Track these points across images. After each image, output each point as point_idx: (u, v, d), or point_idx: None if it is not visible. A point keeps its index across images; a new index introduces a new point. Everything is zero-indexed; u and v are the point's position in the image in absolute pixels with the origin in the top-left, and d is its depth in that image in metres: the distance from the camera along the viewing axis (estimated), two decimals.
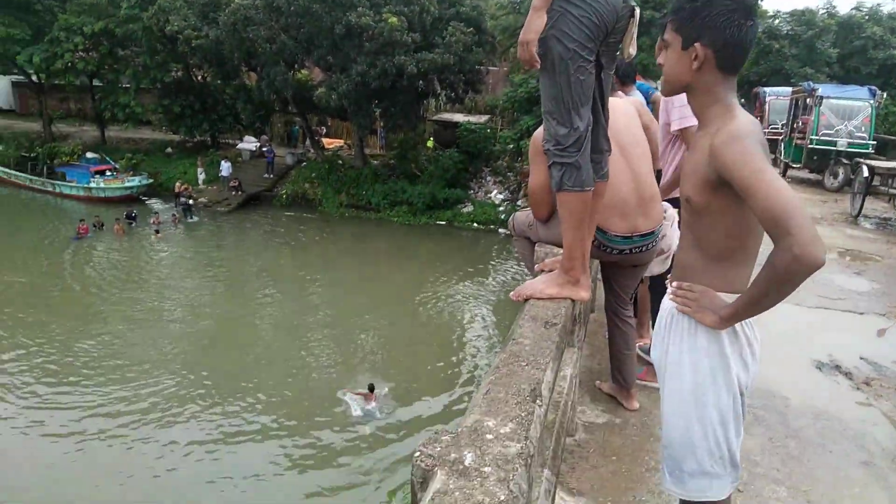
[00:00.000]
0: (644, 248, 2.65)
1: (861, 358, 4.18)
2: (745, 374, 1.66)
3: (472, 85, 22.64)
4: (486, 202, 22.39)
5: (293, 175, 24.44)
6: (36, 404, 9.63)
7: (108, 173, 23.33)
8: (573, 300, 2.27)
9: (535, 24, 1.96)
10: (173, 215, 20.84)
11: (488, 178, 23.89)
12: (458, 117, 25.37)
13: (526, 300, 2.27)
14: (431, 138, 25.73)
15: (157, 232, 19.00)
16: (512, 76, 23.40)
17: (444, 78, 21.20)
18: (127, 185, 22.78)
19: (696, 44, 1.54)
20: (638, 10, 2.13)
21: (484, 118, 25.65)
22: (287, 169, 24.97)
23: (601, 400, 3.25)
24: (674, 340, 1.71)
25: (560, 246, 2.63)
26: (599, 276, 3.31)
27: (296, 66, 23.15)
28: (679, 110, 3.28)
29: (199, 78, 26.16)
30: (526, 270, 3.10)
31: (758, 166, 1.42)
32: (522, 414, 1.40)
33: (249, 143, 25.91)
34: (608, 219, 2.53)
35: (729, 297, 1.59)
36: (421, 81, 21.60)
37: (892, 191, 9.98)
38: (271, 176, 24.32)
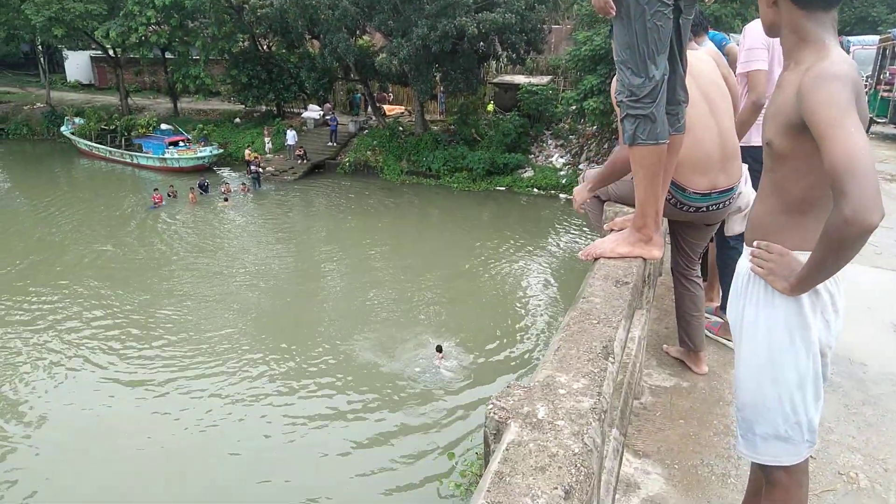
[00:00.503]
0: (721, 206, 2.58)
1: None
2: (828, 334, 1.61)
3: (534, 45, 22.09)
4: (546, 167, 22.04)
5: (355, 143, 24.73)
6: (127, 369, 10.20)
7: (182, 144, 24.22)
8: (645, 259, 2.25)
9: None
10: (243, 184, 21.53)
11: (549, 141, 23.45)
12: (520, 79, 24.86)
13: (596, 259, 2.26)
14: (492, 102, 25.39)
15: (226, 199, 19.70)
16: (575, 34, 22.63)
17: (505, 38, 20.78)
18: (199, 155, 23.59)
19: None
20: None
21: (546, 79, 25.05)
22: (350, 137, 25.28)
23: (668, 364, 3.23)
24: (750, 300, 1.67)
25: (630, 205, 2.60)
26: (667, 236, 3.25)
27: (357, 32, 23.21)
28: (745, 53, 3.15)
29: (265, 47, 26.66)
30: (594, 232, 3.08)
31: (839, 113, 1.35)
32: (595, 370, 1.42)
33: (313, 112, 26.31)
34: (687, 175, 2.45)
35: (806, 256, 1.52)
36: (482, 43, 21.27)
37: None
38: (335, 144, 24.69)
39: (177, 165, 23.46)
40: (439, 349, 10.20)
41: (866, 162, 1.29)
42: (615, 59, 2.12)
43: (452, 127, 23.78)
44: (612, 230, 2.55)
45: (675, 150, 2.24)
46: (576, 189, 2.71)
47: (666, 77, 2.03)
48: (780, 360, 1.61)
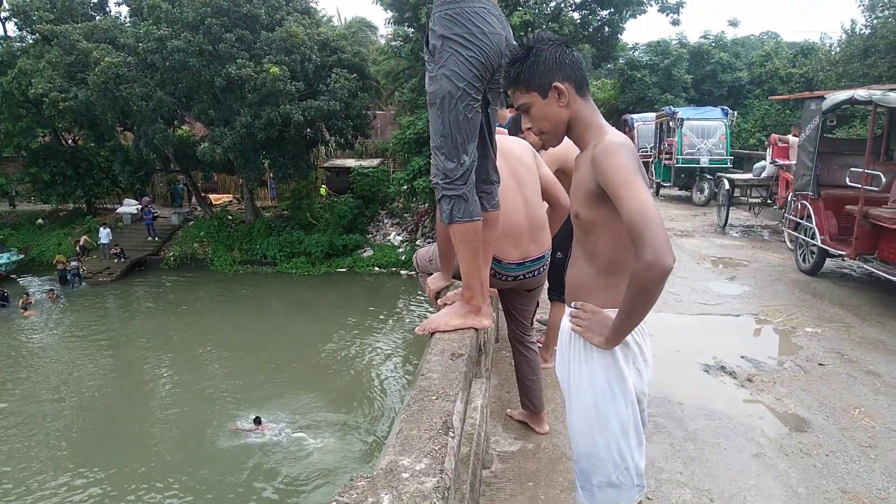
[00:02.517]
0: (536, 272, 2.78)
1: (742, 357, 4.55)
2: (640, 381, 1.75)
3: (361, 129, 22.82)
4: (385, 245, 22.42)
5: (180, 235, 23.36)
6: None
7: None
8: (477, 329, 2.33)
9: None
10: (50, 290, 19.21)
11: (385, 220, 24.00)
12: (350, 162, 25.43)
13: (431, 334, 2.31)
14: (324, 185, 25.57)
15: (25, 308, 17.39)
16: (399, 118, 23.84)
17: (331, 124, 21.23)
18: None
19: (553, 84, 1.68)
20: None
21: (376, 161, 25.87)
22: (173, 230, 23.83)
23: (513, 427, 3.32)
24: (573, 358, 1.79)
25: (459, 278, 2.72)
26: (500, 306, 3.42)
27: (175, 122, 22.36)
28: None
29: (70, 142, 24.63)
30: (430, 304, 3.16)
31: (628, 176, 1.54)
32: (436, 448, 1.42)
33: (130, 206, 24.52)
34: (502, 248, 2.63)
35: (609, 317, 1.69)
36: (308, 129, 21.51)
37: (751, 200, 11.05)
38: (155, 239, 23.08)
39: None
40: (258, 421, 10.45)
41: (655, 214, 1.48)
42: (431, 144, 2.26)
43: (286, 212, 23.44)
44: (444, 304, 2.63)
45: (493, 225, 2.40)
46: (429, 279, 2.77)
47: (475, 162, 2.20)
48: (605, 410, 1.72)
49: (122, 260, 21.62)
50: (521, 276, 2.74)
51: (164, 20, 18.31)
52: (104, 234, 21.90)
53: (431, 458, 1.37)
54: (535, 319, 4.22)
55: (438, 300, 2.74)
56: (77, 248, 21.67)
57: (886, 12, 16.71)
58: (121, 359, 14.54)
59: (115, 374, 13.69)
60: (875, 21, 17.14)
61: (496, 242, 2.51)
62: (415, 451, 1.40)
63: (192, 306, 18.53)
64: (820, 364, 4.42)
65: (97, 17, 22.24)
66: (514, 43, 2.24)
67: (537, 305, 3.51)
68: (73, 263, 20.24)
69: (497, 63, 2.18)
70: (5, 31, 24.64)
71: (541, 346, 3.86)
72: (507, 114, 4.37)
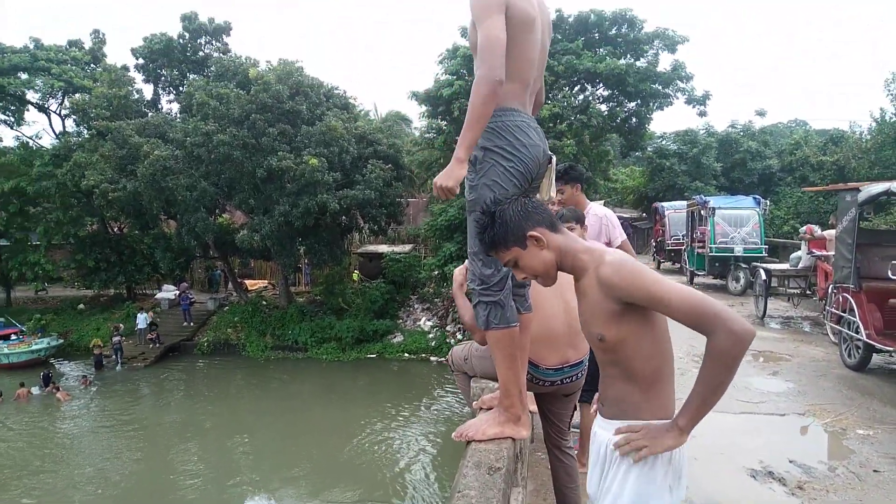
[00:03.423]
0: (575, 378, 2.75)
1: (790, 461, 4.33)
2: (671, 501, 1.70)
3: (394, 217, 23.39)
4: (415, 330, 22.35)
5: (215, 321, 23.71)
6: None
7: (14, 337, 21.80)
8: (514, 439, 2.30)
9: (457, 173, 2.13)
10: (84, 376, 19.48)
11: (416, 305, 24.05)
12: (383, 248, 25.87)
13: (468, 442, 2.28)
14: (357, 271, 25.94)
15: (58, 390, 17.60)
16: (431, 206, 24.41)
17: (366, 212, 21.82)
18: (34, 348, 21.24)
19: (528, 235, 1.76)
20: (555, 158, 2.39)
21: (408, 247, 26.27)
22: (209, 315, 24.24)
23: None
24: (610, 472, 1.76)
25: (494, 379, 2.71)
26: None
27: (217, 210, 23.26)
28: (610, 226, 3.81)
29: (116, 230, 25.71)
30: (464, 401, 3.13)
31: (654, 277, 1.60)
32: None
33: (168, 292, 25.13)
34: (539, 351, 2.60)
35: (662, 422, 1.67)
36: (344, 217, 22.14)
37: (789, 291, 10.81)
38: (191, 324, 23.47)
39: (6, 362, 20.83)
40: None
41: (703, 294, 1.53)
42: (469, 250, 2.33)
43: (318, 297, 23.72)
44: (480, 408, 2.61)
45: (527, 328, 2.42)
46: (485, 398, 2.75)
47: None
48: None
49: (158, 345, 21.94)
50: (559, 382, 2.71)
51: (212, 116, 19.43)
52: (141, 320, 22.35)
53: None
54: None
55: (474, 403, 2.72)
56: (113, 331, 22.13)
57: None
58: (150, 446, 14.45)
59: (142, 463, 13.56)
60: None
61: (533, 347, 2.51)
62: None
63: (223, 392, 18.51)
64: (875, 470, 4.18)
65: (149, 114, 23.76)
66: (550, 153, 2.35)
67: (575, 409, 3.44)
68: (116, 339, 20.65)
69: (536, 172, 2.28)
70: (64, 127, 26.54)
71: (577, 451, 3.75)
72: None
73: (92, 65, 26.45)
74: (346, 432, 14.92)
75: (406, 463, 13.28)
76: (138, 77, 24.89)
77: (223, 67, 22.21)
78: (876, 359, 6.83)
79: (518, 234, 1.77)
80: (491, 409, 2.50)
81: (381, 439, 14.50)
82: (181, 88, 24.30)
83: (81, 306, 25.48)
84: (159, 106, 25.81)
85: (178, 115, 23.87)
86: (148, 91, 25.66)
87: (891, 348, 6.09)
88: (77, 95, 23.88)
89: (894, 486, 3.96)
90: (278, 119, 19.70)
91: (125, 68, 24.63)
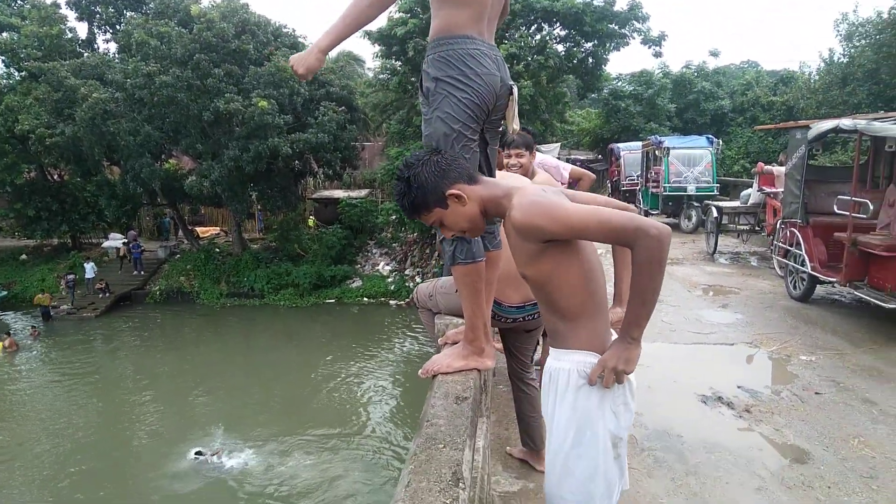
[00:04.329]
0: (537, 315, 2.76)
1: (738, 386, 4.53)
2: (617, 425, 1.71)
3: (349, 161, 22.95)
4: (374, 275, 22.34)
5: (166, 269, 23.17)
6: None
7: None
8: (480, 370, 2.31)
9: (313, 64, 2.06)
10: (33, 327, 18.89)
11: (374, 250, 23.96)
12: (339, 193, 25.49)
13: (434, 376, 2.27)
14: (312, 217, 25.57)
15: (6, 347, 17.06)
16: (387, 150, 24.03)
17: (320, 156, 21.33)
18: None
19: (447, 193, 1.71)
20: (516, 88, 2.29)
21: (364, 192, 25.94)
22: (160, 263, 23.64)
23: (513, 466, 3.26)
24: (550, 399, 1.78)
25: (458, 315, 2.69)
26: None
27: (163, 156, 22.36)
28: (556, 169, 3.74)
29: (56, 177, 24.49)
30: (430, 338, 3.13)
31: (568, 210, 1.57)
32: (447, 501, 1.39)
33: (116, 241, 24.32)
34: (502, 290, 2.60)
35: (594, 357, 1.67)
36: (297, 161, 21.60)
37: (739, 227, 11.15)
38: (141, 273, 22.86)
39: None
40: (199, 454, 10.72)
41: (616, 211, 1.55)
42: (405, 216, 2.26)
43: (274, 244, 23.36)
44: (445, 343, 2.60)
45: (496, 264, 2.38)
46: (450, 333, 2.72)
47: None
48: (571, 454, 1.71)
49: (107, 295, 21.35)
50: (522, 319, 2.72)
51: (153, 56, 18.43)
52: (89, 269, 21.69)
53: None
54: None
55: (439, 339, 2.71)
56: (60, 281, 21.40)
57: (863, 42, 17.19)
58: (104, 396, 14.24)
59: (97, 412, 13.38)
60: (852, 50, 17.62)
61: (497, 285, 2.49)
62: None
63: (178, 340, 18.28)
64: (816, 393, 4.42)
65: (85, 54, 22.36)
66: (511, 82, 2.26)
67: (537, 344, 3.49)
68: (70, 277, 19.93)
69: (493, 103, 2.18)
70: None
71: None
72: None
73: (19, 1, 24.55)
74: (308, 376, 15.02)
75: (370, 402, 13.51)
76: (71, 14, 23.30)
77: (163, 4, 20.92)
78: (819, 290, 7.14)
79: (437, 195, 1.72)
80: (456, 343, 2.50)
81: (344, 381, 14.65)
82: (118, 27, 22.90)
83: (24, 257, 24.46)
84: (95, 46, 24.29)
85: (117, 56, 22.56)
86: (82, 30, 24.14)
87: (833, 279, 6.36)
88: (4, 34, 22.22)
89: (834, 406, 4.20)
90: (224, 59, 18.82)
91: (56, 5, 22.94)
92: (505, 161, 3.52)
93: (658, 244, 1.49)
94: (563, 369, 1.72)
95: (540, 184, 2.74)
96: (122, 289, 22.00)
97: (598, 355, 1.67)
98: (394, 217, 20.62)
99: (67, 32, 22.66)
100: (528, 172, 3.56)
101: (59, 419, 12.96)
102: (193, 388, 14.50)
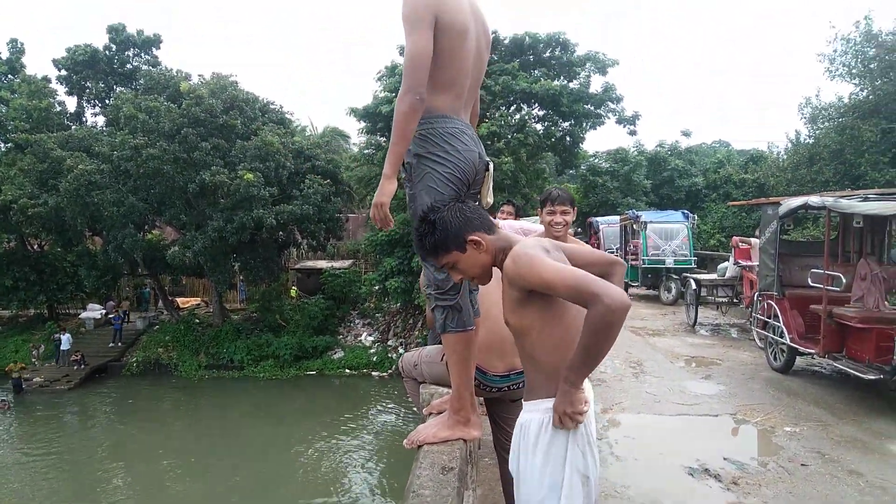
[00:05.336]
0: (521, 384, 2.77)
1: (724, 458, 4.51)
2: (584, 462, 1.76)
3: (333, 232, 23.10)
4: (356, 346, 22.07)
5: (144, 340, 22.68)
6: None
7: None
8: (465, 440, 2.30)
9: (387, 188, 2.16)
10: (2, 400, 18.22)
11: (357, 321, 23.77)
12: (322, 264, 25.48)
13: (419, 446, 2.27)
14: (295, 287, 25.43)
15: None
16: (371, 221, 24.26)
17: (304, 227, 21.46)
18: None
19: (469, 239, 1.82)
20: (492, 164, 2.41)
21: (347, 263, 25.98)
22: (138, 335, 23.16)
23: None
24: (521, 450, 1.83)
25: (443, 385, 2.71)
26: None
27: (146, 226, 22.35)
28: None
29: (35, 247, 24.27)
30: (415, 410, 3.11)
31: (544, 265, 1.67)
32: None
33: (94, 311, 23.89)
34: (488, 359, 2.61)
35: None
36: (281, 232, 21.69)
37: (718, 299, 11.32)
38: (119, 344, 22.34)
39: None
40: None
41: (587, 274, 1.61)
42: (420, 257, 2.33)
43: (255, 314, 23.09)
44: (430, 413, 2.60)
45: (475, 333, 2.43)
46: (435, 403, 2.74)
47: None
48: (549, 496, 1.75)
49: (83, 367, 20.74)
50: (507, 388, 2.73)
51: (141, 130, 18.73)
52: (65, 341, 21.16)
53: None
54: None
55: (424, 409, 2.71)
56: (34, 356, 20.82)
57: (827, 124, 18.06)
58: (76, 474, 13.61)
59: (68, 493, 12.75)
60: (817, 132, 18.46)
61: (481, 354, 2.52)
62: None
63: (154, 415, 17.67)
64: (802, 464, 4.40)
65: (73, 127, 22.67)
66: (487, 158, 2.38)
67: None
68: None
69: (473, 177, 2.30)
70: None
71: None
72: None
73: (10, 76, 25.10)
74: (287, 450, 14.57)
75: (354, 475, 13.08)
76: (61, 89, 23.85)
77: (153, 80, 21.51)
78: (799, 361, 7.21)
79: (458, 240, 1.82)
80: (441, 413, 2.50)
81: (324, 454, 14.25)
82: (107, 101, 23.38)
83: None
84: (84, 119, 24.73)
85: (105, 129, 22.90)
86: (71, 104, 24.60)
87: (812, 351, 6.45)
88: None
89: (821, 478, 4.18)
90: (212, 133, 19.19)
91: (46, 79, 23.48)
92: (548, 219, 3.23)
93: (608, 312, 1.54)
94: (534, 419, 1.79)
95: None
96: (98, 360, 21.39)
97: None
98: (377, 287, 20.59)
99: (56, 106, 23.07)
100: (567, 231, 3.31)
101: (28, 497, 12.34)
102: (168, 471, 13.90)
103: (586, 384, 1.81)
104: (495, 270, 1.90)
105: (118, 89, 23.55)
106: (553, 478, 1.74)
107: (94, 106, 24.70)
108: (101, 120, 24.24)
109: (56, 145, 19.71)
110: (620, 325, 1.59)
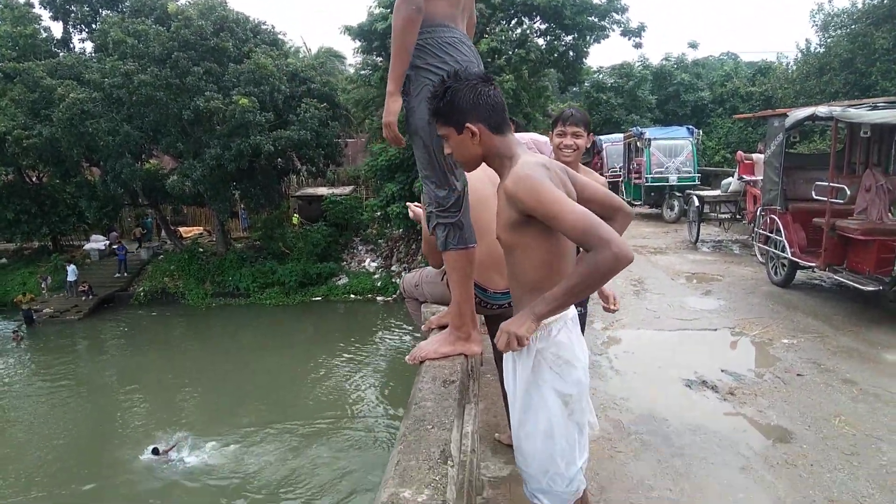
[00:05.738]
0: None
1: (722, 370, 4.59)
2: (563, 383, 1.77)
3: (332, 158, 22.85)
4: (360, 272, 22.30)
5: (150, 270, 22.94)
6: None
7: None
8: (467, 356, 2.33)
9: (392, 107, 2.10)
10: (15, 331, 18.63)
11: (360, 247, 23.91)
12: (322, 190, 25.38)
13: (421, 362, 2.29)
14: (296, 214, 25.43)
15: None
16: (370, 146, 23.92)
17: (302, 153, 21.23)
18: None
19: (466, 125, 1.75)
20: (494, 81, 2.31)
21: (348, 189, 25.85)
22: (143, 264, 23.40)
23: (502, 452, 3.29)
24: (508, 370, 1.89)
25: (444, 304, 2.71)
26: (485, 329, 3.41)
27: (143, 156, 22.10)
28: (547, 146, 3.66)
29: (34, 179, 24.12)
30: (419, 330, 3.13)
31: (551, 195, 1.60)
32: (437, 478, 1.41)
33: (97, 243, 24.03)
34: (488, 275, 2.58)
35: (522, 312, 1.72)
36: (279, 159, 21.48)
37: (720, 216, 11.27)
38: (125, 274, 22.61)
39: None
40: (155, 451, 10.73)
41: (596, 217, 1.57)
42: (420, 175, 2.27)
43: (258, 243, 23.22)
44: (430, 329, 2.62)
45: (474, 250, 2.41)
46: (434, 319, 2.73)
47: (466, 186, 2.22)
48: (526, 420, 1.81)
49: (91, 297, 21.10)
50: (507, 305, 2.73)
51: (131, 55, 18.21)
52: (71, 272, 21.41)
53: (432, 488, 1.36)
54: None
55: (423, 326, 2.73)
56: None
57: (839, 31, 17.39)
58: (95, 401, 14.09)
59: (91, 419, 13.24)
60: (829, 40, 17.82)
61: (480, 269, 2.51)
62: (415, 483, 1.39)
63: (164, 342, 18.13)
64: (798, 374, 4.49)
65: (61, 54, 22.01)
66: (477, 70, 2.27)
67: None
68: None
69: None
70: None
71: None
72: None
73: None
74: (297, 372, 15.01)
75: (359, 392, 13.56)
76: (45, 14, 22.95)
77: (139, 2, 20.67)
78: (799, 275, 7.25)
79: (458, 120, 1.76)
80: (441, 328, 2.52)
81: (332, 375, 14.67)
82: (94, 26, 22.55)
83: (3, 260, 24.11)
84: (71, 45, 23.96)
85: (93, 55, 22.23)
86: (57, 30, 23.80)
87: (813, 264, 6.46)
88: None
89: (816, 387, 4.28)
90: (203, 57, 18.64)
91: (29, 4, 22.60)
92: (557, 140, 2.98)
93: (614, 261, 1.52)
94: None
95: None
96: (106, 291, 21.74)
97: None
98: (378, 213, 20.57)
99: (42, 32, 22.37)
100: (579, 157, 3.06)
101: (46, 423, 12.83)
102: (181, 388, 14.41)
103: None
104: (493, 181, 1.85)
105: (104, 12, 22.69)
106: (526, 398, 1.79)
107: (80, 31, 23.86)
108: (88, 46, 23.52)
109: (45, 73, 19.22)
110: (610, 277, 1.57)
